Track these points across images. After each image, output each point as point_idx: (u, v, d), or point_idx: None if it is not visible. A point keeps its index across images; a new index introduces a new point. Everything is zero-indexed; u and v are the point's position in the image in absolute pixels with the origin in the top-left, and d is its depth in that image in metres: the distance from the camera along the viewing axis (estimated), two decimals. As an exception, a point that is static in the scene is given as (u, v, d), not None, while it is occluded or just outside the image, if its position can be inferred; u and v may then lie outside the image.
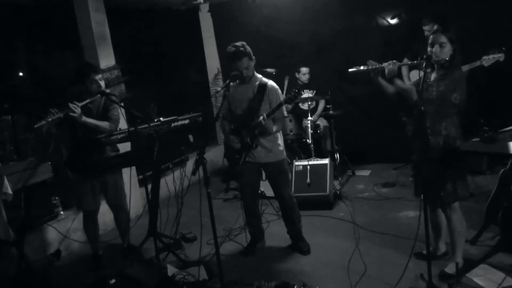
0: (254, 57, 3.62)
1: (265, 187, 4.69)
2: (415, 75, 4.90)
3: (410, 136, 3.19)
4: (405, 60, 3.43)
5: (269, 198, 4.85)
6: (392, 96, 3.30)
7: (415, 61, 3.01)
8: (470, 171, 4.66)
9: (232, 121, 3.82)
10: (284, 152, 3.85)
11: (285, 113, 3.75)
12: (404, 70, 5.14)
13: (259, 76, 3.74)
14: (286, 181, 3.87)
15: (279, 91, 3.72)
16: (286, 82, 5.87)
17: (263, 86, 3.65)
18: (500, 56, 4.07)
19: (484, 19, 5.00)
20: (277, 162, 3.76)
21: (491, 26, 4.94)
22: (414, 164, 3.28)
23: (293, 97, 3.52)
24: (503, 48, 4.07)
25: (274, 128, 3.65)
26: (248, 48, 3.56)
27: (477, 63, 4.14)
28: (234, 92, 3.72)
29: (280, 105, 3.53)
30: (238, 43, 3.55)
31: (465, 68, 4.12)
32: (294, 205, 3.90)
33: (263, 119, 3.46)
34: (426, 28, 5.08)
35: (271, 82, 3.69)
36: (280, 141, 3.81)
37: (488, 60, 4.09)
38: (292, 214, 3.90)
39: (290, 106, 5.55)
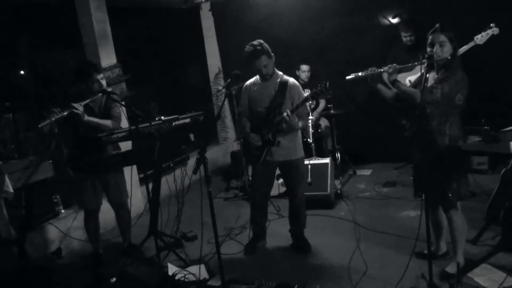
0: (273, 54, 3.62)
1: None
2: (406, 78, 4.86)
3: (411, 138, 3.18)
4: (411, 62, 3.40)
5: (270, 197, 4.84)
6: (390, 100, 3.28)
7: (416, 63, 2.99)
8: (472, 171, 4.67)
9: (252, 119, 3.82)
10: (302, 151, 3.85)
11: (308, 110, 3.74)
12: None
13: (280, 73, 3.74)
14: (302, 180, 3.87)
15: (301, 88, 3.73)
16: None
17: (285, 83, 3.65)
18: (493, 31, 3.97)
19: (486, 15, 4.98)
20: (295, 160, 3.76)
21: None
22: (415, 164, 3.27)
23: (319, 92, 3.51)
24: (491, 24, 4.00)
25: (300, 124, 3.65)
26: (266, 46, 3.57)
27: (471, 44, 4.05)
28: (255, 89, 3.73)
29: (305, 101, 3.52)
30: (255, 42, 3.56)
31: (461, 51, 4.08)
32: (303, 206, 3.91)
33: (287, 115, 3.45)
34: (403, 34, 5.10)
35: (292, 79, 3.70)
36: (299, 139, 3.81)
37: (481, 38, 4.00)
38: (300, 214, 3.91)
39: None
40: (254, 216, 4.00)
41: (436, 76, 3.02)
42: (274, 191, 4.62)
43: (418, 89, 3.00)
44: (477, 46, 4.09)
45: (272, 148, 3.67)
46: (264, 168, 3.79)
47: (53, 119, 3.32)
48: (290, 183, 3.86)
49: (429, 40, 2.97)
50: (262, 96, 3.71)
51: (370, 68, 3.13)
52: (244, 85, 3.85)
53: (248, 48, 3.57)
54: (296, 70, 6.03)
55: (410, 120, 3.25)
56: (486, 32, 3.95)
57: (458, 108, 2.94)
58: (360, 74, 3.17)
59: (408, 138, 3.24)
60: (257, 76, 3.77)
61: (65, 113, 3.39)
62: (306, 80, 6.00)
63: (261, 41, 3.59)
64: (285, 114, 3.46)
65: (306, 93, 5.91)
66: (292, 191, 3.87)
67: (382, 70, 3.11)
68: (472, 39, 4.09)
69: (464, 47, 4.11)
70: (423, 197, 2.82)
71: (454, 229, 3.12)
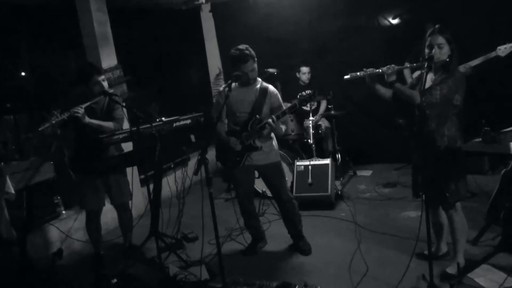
0: (256, 59, 3.63)
1: (267, 187, 4.69)
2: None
3: (408, 138, 3.19)
4: (405, 64, 3.39)
5: (270, 198, 4.85)
6: (388, 101, 3.29)
7: (414, 64, 3.00)
8: (472, 171, 4.67)
9: (230, 123, 3.82)
10: (278, 153, 3.88)
11: (287, 117, 3.77)
12: (407, 72, 5.13)
13: (259, 79, 3.76)
14: (283, 182, 3.88)
15: (279, 96, 3.74)
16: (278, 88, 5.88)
17: (265, 89, 3.67)
18: None
19: (487, 15, 4.99)
20: (273, 163, 3.77)
21: (495, 21, 4.92)
22: (414, 165, 3.28)
23: (307, 99, 3.51)
24: None
25: (283, 129, 3.66)
26: (252, 51, 3.57)
27: (493, 54, 3.99)
28: (234, 94, 3.70)
29: (292, 107, 3.52)
30: (242, 46, 3.55)
31: (479, 60, 4.03)
32: (294, 206, 3.89)
33: (273, 120, 3.46)
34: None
35: (271, 87, 3.73)
36: (274, 142, 3.83)
37: (504, 50, 3.92)
38: (292, 215, 3.89)
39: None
40: (245, 220, 4.02)
41: (434, 77, 3.03)
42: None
43: (417, 90, 3.01)
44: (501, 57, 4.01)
45: (251, 153, 3.68)
46: (244, 173, 3.79)
47: (53, 122, 3.32)
48: (273, 186, 3.86)
49: (427, 42, 2.98)
50: (242, 101, 3.69)
51: (368, 69, 3.14)
52: (221, 89, 3.83)
53: (234, 52, 3.55)
54: (296, 72, 6.03)
55: (407, 119, 3.26)
56: (509, 45, 3.89)
57: (456, 109, 2.96)
58: (358, 74, 3.18)
59: (406, 138, 3.25)
60: (235, 82, 3.69)
61: (66, 116, 3.40)
62: (307, 81, 6.00)
63: (247, 45, 3.58)
64: (270, 120, 3.47)
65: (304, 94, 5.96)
66: (277, 194, 3.87)
67: (380, 70, 3.12)
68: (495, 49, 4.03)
69: (483, 57, 4.05)
70: (423, 198, 2.82)
71: (454, 230, 3.12)
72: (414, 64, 2.92)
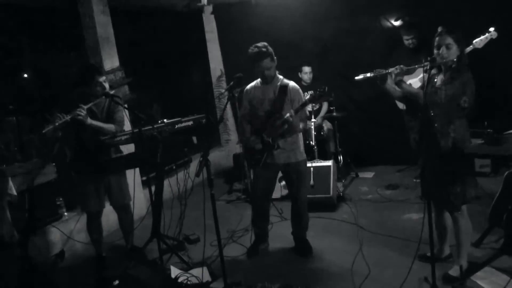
0: (275, 57, 3.63)
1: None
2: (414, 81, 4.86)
3: (417, 140, 3.19)
4: (412, 65, 3.41)
5: (272, 199, 4.84)
6: (400, 100, 3.30)
7: (422, 65, 3.00)
8: (475, 174, 4.66)
9: (253, 122, 3.83)
10: (304, 154, 3.85)
11: (308, 113, 3.76)
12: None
13: (280, 77, 3.75)
14: (303, 182, 3.87)
15: (301, 91, 3.73)
16: None
17: (285, 86, 3.66)
18: (491, 35, 3.91)
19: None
20: (296, 163, 3.75)
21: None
22: (422, 166, 3.26)
23: (317, 96, 3.51)
24: (490, 29, 3.98)
25: (301, 126, 3.65)
26: (270, 49, 3.57)
27: (470, 48, 3.96)
28: (255, 92, 3.74)
29: (304, 104, 3.52)
30: (260, 44, 3.57)
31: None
32: (306, 208, 3.90)
33: (291, 115, 3.46)
34: (405, 37, 5.10)
35: (292, 83, 3.71)
36: (301, 142, 3.81)
37: (480, 41, 3.93)
38: (302, 217, 3.90)
39: None
40: (255, 219, 4.00)
41: (443, 78, 3.02)
42: (276, 194, 4.61)
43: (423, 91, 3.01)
44: (479, 49, 4.06)
45: (273, 151, 3.68)
46: (265, 171, 3.79)
47: (57, 124, 3.33)
48: (292, 185, 3.86)
49: (435, 43, 2.97)
50: (263, 100, 3.71)
51: (376, 70, 3.17)
52: (245, 89, 3.86)
53: (252, 49, 3.57)
54: (298, 72, 6.03)
55: (417, 121, 3.27)
56: (485, 36, 3.94)
57: (464, 111, 2.91)
58: (368, 74, 3.22)
59: (414, 139, 3.26)
60: (258, 80, 3.77)
61: (69, 117, 3.40)
62: (308, 81, 6.00)
63: (266, 43, 3.59)
64: (288, 115, 3.47)
65: (308, 96, 5.97)
66: (294, 194, 3.87)
67: (389, 71, 3.14)
68: (471, 43, 4.08)
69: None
70: (426, 199, 2.81)
71: (459, 232, 3.11)
72: (422, 65, 2.92)
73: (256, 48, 3.54)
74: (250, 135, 3.81)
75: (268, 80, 3.67)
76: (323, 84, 6.03)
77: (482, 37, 3.91)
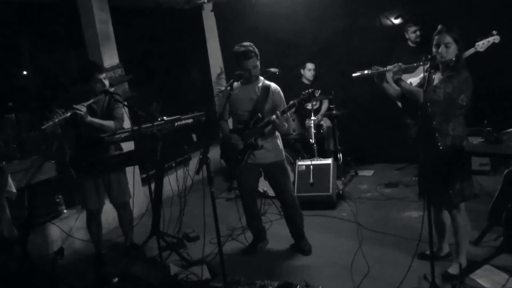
0: (259, 57, 3.63)
1: (268, 187, 4.68)
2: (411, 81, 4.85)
3: (415, 138, 3.18)
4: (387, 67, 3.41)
5: (272, 197, 4.85)
6: (397, 99, 3.29)
7: (421, 63, 2.99)
8: (474, 172, 4.66)
9: (234, 122, 3.82)
10: (283, 152, 3.85)
11: (289, 114, 3.76)
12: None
13: (261, 77, 3.75)
14: (287, 181, 3.86)
15: (282, 93, 3.73)
16: None
17: (267, 87, 3.66)
18: (494, 38, 3.96)
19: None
20: (277, 162, 3.76)
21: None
22: (420, 164, 3.26)
23: (306, 99, 3.51)
24: (493, 32, 3.99)
25: (286, 126, 3.65)
26: (256, 48, 3.59)
27: (472, 50, 4.04)
28: (236, 92, 3.71)
29: (292, 106, 3.51)
30: (246, 43, 3.58)
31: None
32: (296, 206, 3.89)
33: (277, 117, 3.45)
34: (411, 29, 5.09)
35: (274, 84, 3.71)
36: (279, 141, 3.81)
37: (482, 45, 3.98)
38: (294, 215, 3.89)
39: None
40: (247, 219, 4.01)
41: (441, 76, 3.02)
42: (272, 192, 4.59)
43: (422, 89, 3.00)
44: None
45: (253, 151, 3.67)
46: (247, 171, 3.78)
47: (56, 120, 3.32)
48: (277, 185, 3.86)
49: (434, 41, 2.97)
50: (243, 100, 3.69)
51: (374, 67, 3.15)
52: (224, 88, 3.85)
53: (238, 48, 3.57)
54: (301, 69, 6.01)
55: (415, 119, 3.25)
56: (488, 39, 3.95)
57: (462, 109, 2.94)
58: (366, 72, 3.20)
59: (412, 138, 3.25)
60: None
61: (68, 114, 3.40)
62: (311, 79, 5.98)
63: (251, 43, 3.60)
64: (274, 116, 3.47)
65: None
66: (280, 193, 3.87)
67: (387, 69, 3.13)
68: (473, 45, 4.07)
69: (465, 52, 4.09)
70: (426, 198, 2.81)
71: (457, 230, 3.11)
72: (421, 63, 2.91)
73: (242, 47, 3.55)
74: (231, 134, 3.78)
75: (251, 79, 3.67)
76: (323, 83, 6.09)
77: (484, 40, 3.93)
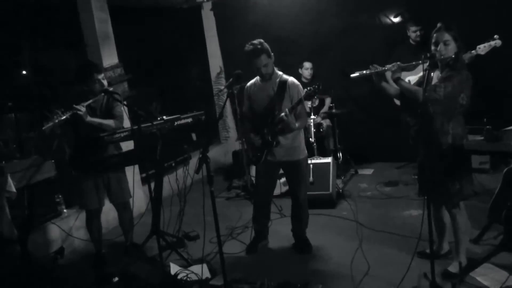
0: (272, 54, 3.60)
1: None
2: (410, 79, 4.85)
3: (415, 136, 3.18)
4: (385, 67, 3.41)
5: (273, 196, 4.84)
6: (395, 98, 3.28)
7: (420, 61, 2.99)
8: (474, 170, 4.66)
9: (253, 120, 3.82)
10: (305, 151, 3.83)
11: (307, 109, 3.73)
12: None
13: (280, 73, 3.72)
14: (304, 180, 3.86)
15: (300, 87, 3.70)
16: None
17: (284, 82, 3.63)
18: (496, 43, 3.95)
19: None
20: (296, 160, 3.74)
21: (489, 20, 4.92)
22: (420, 163, 3.26)
23: (312, 93, 3.50)
24: (495, 36, 4.00)
25: (297, 124, 3.63)
26: (266, 45, 3.54)
27: (473, 53, 4.03)
28: (255, 90, 3.72)
29: (300, 101, 3.51)
30: (255, 41, 3.54)
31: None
32: (306, 206, 3.90)
33: (285, 114, 3.44)
34: (413, 29, 5.09)
35: (291, 79, 3.68)
36: (302, 139, 3.80)
37: (484, 48, 3.98)
38: (302, 214, 3.90)
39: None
40: (256, 215, 4.00)
41: (440, 75, 3.01)
42: (276, 191, 4.60)
43: (421, 87, 3.00)
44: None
45: (273, 149, 3.67)
46: (266, 168, 3.79)
47: (56, 121, 3.32)
48: (292, 183, 3.85)
49: (433, 39, 2.97)
50: (261, 97, 3.70)
51: (373, 66, 3.15)
52: (245, 87, 3.85)
53: (247, 47, 3.54)
54: (298, 68, 6.02)
55: (415, 118, 3.24)
56: (489, 43, 3.94)
57: (462, 108, 2.93)
58: (364, 72, 3.19)
59: (412, 136, 3.24)
60: (257, 77, 3.76)
61: (68, 114, 3.39)
62: (309, 77, 5.98)
63: (261, 40, 3.56)
64: (283, 114, 3.46)
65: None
66: (294, 191, 3.87)
67: (386, 68, 3.12)
68: (474, 47, 4.07)
69: (466, 55, 4.07)
70: (426, 196, 2.81)
71: (457, 228, 3.11)
72: (420, 62, 2.91)
73: (251, 46, 3.52)
74: (250, 132, 3.80)
75: (266, 77, 3.65)
76: (322, 81, 6.07)
77: (486, 44, 3.93)
